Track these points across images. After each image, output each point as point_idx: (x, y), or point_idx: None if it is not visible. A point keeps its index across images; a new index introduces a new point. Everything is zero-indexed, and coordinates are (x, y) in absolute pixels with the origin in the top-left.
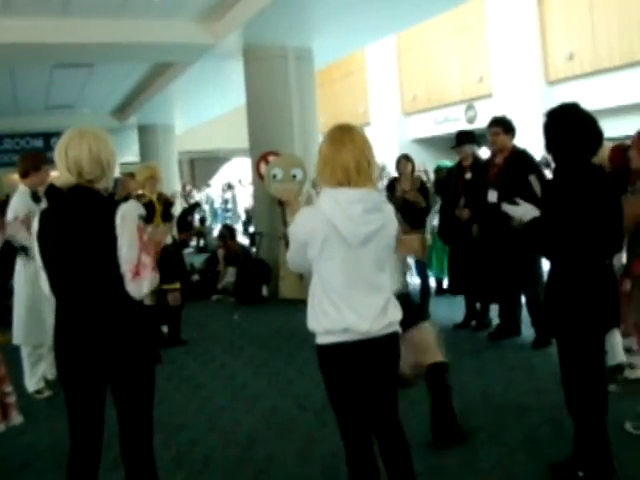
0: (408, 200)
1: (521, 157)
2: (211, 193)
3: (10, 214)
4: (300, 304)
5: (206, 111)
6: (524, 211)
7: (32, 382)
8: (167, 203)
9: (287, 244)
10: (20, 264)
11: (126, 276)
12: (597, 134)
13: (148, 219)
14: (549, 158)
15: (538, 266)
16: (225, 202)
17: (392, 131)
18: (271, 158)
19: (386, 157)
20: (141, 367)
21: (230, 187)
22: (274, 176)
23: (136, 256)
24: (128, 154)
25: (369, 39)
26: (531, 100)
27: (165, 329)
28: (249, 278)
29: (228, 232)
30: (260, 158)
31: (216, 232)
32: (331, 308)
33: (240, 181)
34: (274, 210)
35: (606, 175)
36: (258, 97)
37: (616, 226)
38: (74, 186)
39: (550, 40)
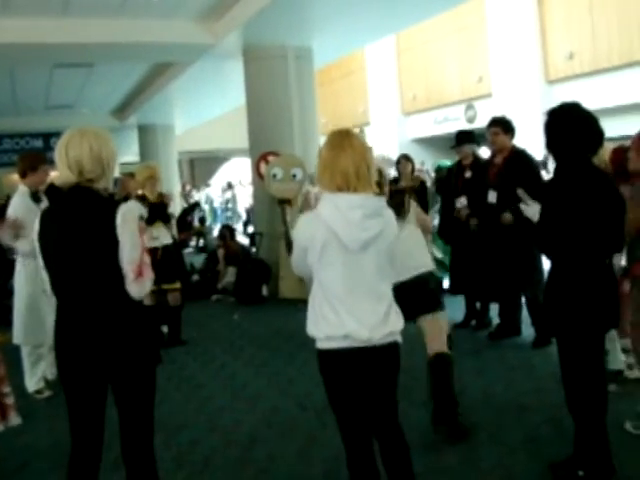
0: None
1: (520, 157)
2: (211, 193)
3: (10, 214)
4: (300, 304)
5: (206, 111)
6: (534, 211)
7: (32, 382)
8: (162, 204)
9: (287, 244)
10: (20, 264)
11: (128, 276)
12: (598, 133)
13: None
14: (549, 158)
15: (538, 266)
16: (225, 202)
17: (392, 131)
18: (271, 158)
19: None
20: (142, 367)
21: (230, 187)
22: (274, 176)
23: (139, 256)
24: (128, 154)
25: (369, 39)
26: (531, 100)
27: (165, 329)
28: (249, 278)
29: (228, 232)
30: (260, 158)
31: (216, 232)
32: (331, 314)
33: (240, 181)
34: (274, 210)
35: (606, 174)
36: (258, 97)
37: (616, 225)
38: (74, 185)
39: (550, 40)
